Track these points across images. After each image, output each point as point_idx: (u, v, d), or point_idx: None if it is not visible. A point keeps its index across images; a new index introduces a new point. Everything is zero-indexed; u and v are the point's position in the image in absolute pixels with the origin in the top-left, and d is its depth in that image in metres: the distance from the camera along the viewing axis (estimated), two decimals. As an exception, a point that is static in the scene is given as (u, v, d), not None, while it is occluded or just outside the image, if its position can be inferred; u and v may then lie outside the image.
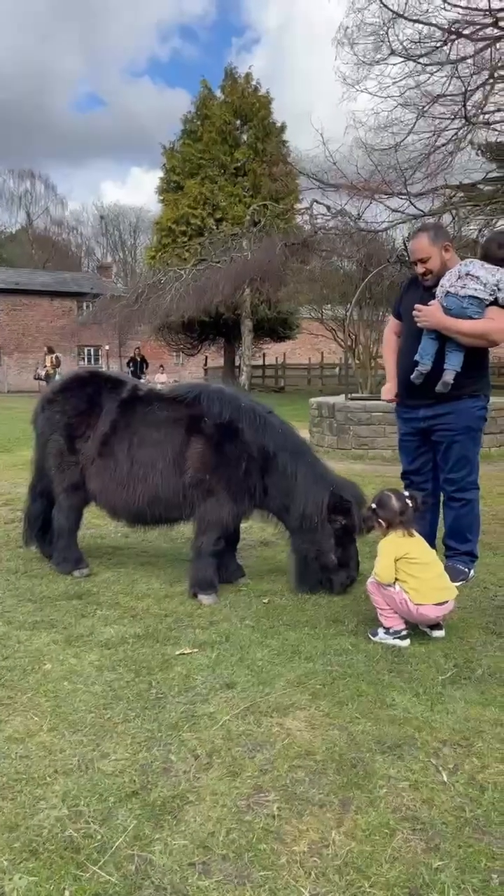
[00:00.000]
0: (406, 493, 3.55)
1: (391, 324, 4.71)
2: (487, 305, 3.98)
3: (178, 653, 3.26)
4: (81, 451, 4.34)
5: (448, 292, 4.00)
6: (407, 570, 3.36)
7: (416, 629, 3.47)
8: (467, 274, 3.95)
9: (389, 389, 4.64)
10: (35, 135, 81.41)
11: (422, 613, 3.34)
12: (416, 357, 4.11)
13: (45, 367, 23.96)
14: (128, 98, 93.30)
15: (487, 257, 4.05)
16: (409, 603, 3.32)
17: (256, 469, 4.07)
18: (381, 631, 3.41)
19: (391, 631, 3.38)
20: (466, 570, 4.27)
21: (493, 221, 17.39)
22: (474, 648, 3.30)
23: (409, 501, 3.47)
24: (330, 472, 4.21)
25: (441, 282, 4.06)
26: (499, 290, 3.93)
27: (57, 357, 24.50)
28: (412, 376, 4.14)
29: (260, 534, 5.40)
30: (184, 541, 5.06)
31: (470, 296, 3.94)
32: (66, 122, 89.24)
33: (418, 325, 4.07)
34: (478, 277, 3.93)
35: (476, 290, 3.93)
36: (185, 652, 3.27)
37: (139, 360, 25.67)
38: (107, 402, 4.35)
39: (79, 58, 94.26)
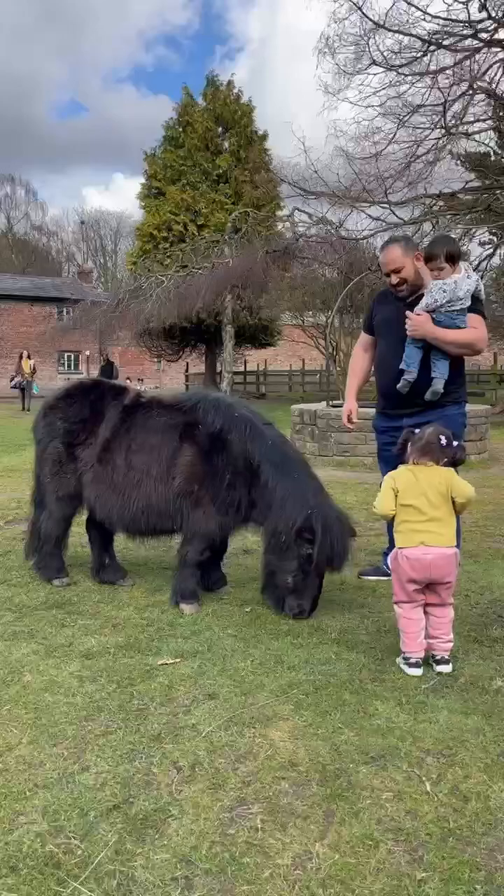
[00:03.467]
0: (441, 432, 3.27)
1: (361, 340, 4.75)
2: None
3: (160, 663, 3.23)
4: (80, 459, 4.26)
5: (438, 311, 4.05)
6: (399, 506, 3.24)
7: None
8: (459, 299, 4.01)
9: (348, 411, 4.69)
10: (15, 141, 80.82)
11: (405, 557, 3.13)
12: (403, 366, 4.14)
13: (24, 373, 23.40)
14: (110, 105, 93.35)
15: (453, 256, 4.09)
16: (397, 555, 3.20)
17: (243, 481, 4.01)
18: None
19: (403, 655, 3.21)
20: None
21: (473, 230, 17.58)
22: (456, 657, 3.30)
23: (441, 435, 3.24)
24: (318, 493, 3.97)
25: (434, 298, 4.06)
26: (478, 290, 4.08)
27: (33, 363, 24.04)
28: (399, 385, 4.16)
29: (242, 542, 5.39)
30: (164, 549, 5.04)
31: (458, 310, 4.03)
32: (47, 128, 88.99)
33: (408, 334, 4.10)
34: (468, 290, 4.02)
35: (463, 303, 4.02)
36: (168, 662, 3.24)
37: (104, 364, 25.27)
38: (109, 410, 4.30)
39: (60, 64, 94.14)
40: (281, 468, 3.98)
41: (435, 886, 1.85)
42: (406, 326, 4.11)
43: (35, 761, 2.43)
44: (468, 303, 4.05)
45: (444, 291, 4.02)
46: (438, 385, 4.09)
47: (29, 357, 24.02)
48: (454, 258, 4.09)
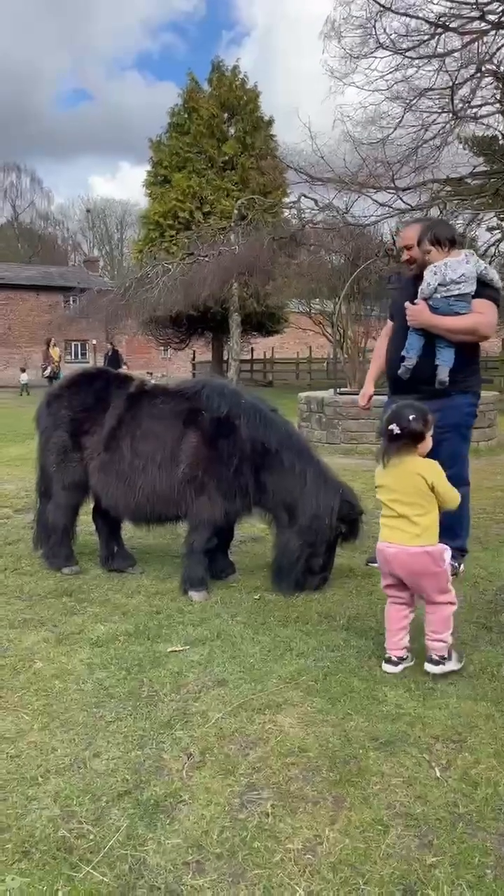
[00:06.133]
0: (407, 415, 3.01)
1: (385, 329, 4.76)
2: (473, 297, 4.01)
3: (169, 650, 3.24)
4: (86, 447, 4.28)
5: (434, 297, 4.01)
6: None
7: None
8: (451, 281, 3.95)
9: (365, 395, 4.76)
10: (20, 130, 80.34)
11: (378, 549, 3.09)
12: (404, 352, 4.15)
13: (54, 361, 22.82)
14: (115, 93, 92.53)
15: (438, 239, 4.03)
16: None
17: (251, 467, 4.03)
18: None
19: (386, 654, 3.11)
20: (456, 564, 4.28)
21: (480, 216, 17.44)
22: (465, 643, 3.30)
23: (390, 425, 3.01)
24: (335, 473, 4.22)
25: (426, 281, 4.03)
26: (479, 269, 4.00)
27: (60, 352, 23.54)
28: (399, 371, 4.16)
29: (250, 529, 5.39)
30: (173, 537, 5.05)
31: (454, 295, 3.97)
32: (52, 116, 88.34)
33: (408, 323, 4.10)
34: (462, 275, 3.94)
35: (461, 287, 3.95)
36: (177, 649, 3.25)
37: (111, 354, 25.15)
38: (114, 398, 4.31)
39: (65, 53, 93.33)
40: (303, 454, 4.11)
41: (445, 871, 1.86)
42: (407, 318, 4.11)
43: (47, 747, 2.45)
44: (468, 288, 3.97)
45: (434, 274, 3.98)
46: (442, 373, 4.04)
47: (55, 345, 23.56)
48: (440, 242, 4.01)
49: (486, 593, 4.07)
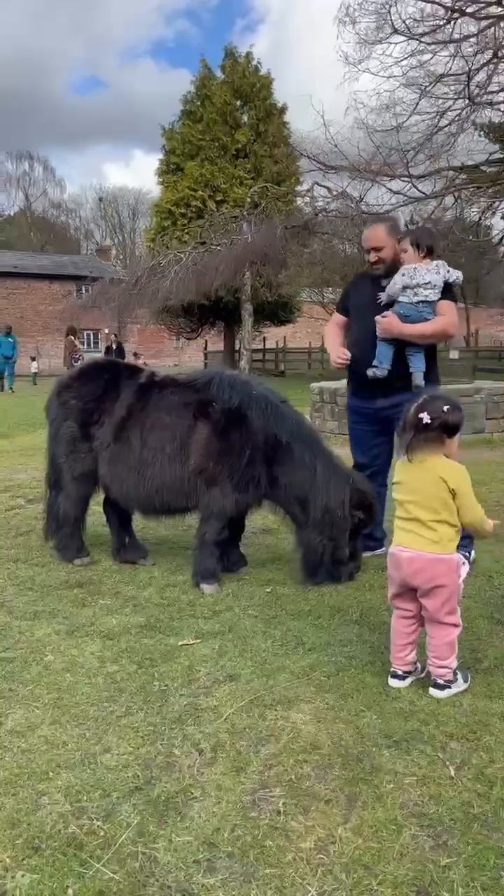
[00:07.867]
0: (440, 405, 2.73)
1: (334, 319, 4.79)
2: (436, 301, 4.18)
3: (180, 643, 3.23)
4: (96, 438, 4.27)
5: (401, 301, 4.14)
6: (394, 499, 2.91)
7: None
8: (417, 285, 4.07)
9: (339, 355, 4.51)
10: (33, 118, 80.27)
11: (389, 552, 2.88)
12: (375, 363, 4.25)
13: (80, 350, 22.45)
14: (129, 80, 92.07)
15: (419, 243, 4.16)
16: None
17: (262, 459, 4.01)
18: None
19: (392, 668, 2.92)
20: (466, 553, 4.22)
21: (496, 203, 17.24)
22: (480, 639, 3.27)
23: (420, 413, 2.72)
24: (344, 464, 4.25)
25: (393, 280, 4.15)
26: (448, 279, 4.13)
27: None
28: (369, 375, 4.27)
29: (262, 521, 5.37)
30: (185, 528, 5.03)
31: (422, 301, 4.10)
32: (64, 105, 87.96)
33: (379, 335, 4.21)
34: (429, 283, 4.08)
35: (427, 294, 4.09)
36: (188, 643, 3.24)
37: (114, 347, 25.08)
38: (124, 389, 4.31)
39: (79, 40, 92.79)
40: (314, 446, 4.12)
41: (459, 872, 1.83)
42: (377, 331, 4.20)
43: (57, 741, 2.44)
44: (434, 297, 4.11)
45: (402, 275, 4.13)
46: (419, 379, 4.19)
47: (77, 336, 23.44)
48: (420, 246, 4.15)
49: (501, 587, 4.02)
